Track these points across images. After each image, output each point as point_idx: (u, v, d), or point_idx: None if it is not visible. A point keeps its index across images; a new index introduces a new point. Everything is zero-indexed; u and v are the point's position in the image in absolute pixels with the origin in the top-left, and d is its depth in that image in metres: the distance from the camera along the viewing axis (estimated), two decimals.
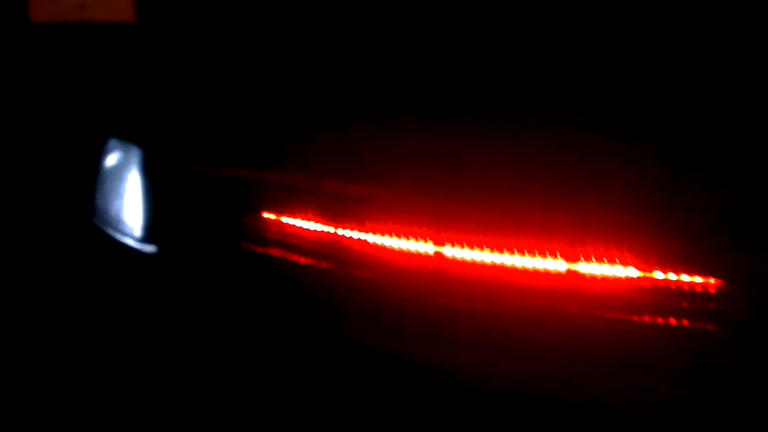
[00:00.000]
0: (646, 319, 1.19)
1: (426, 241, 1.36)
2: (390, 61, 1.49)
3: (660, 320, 1.18)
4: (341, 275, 1.44)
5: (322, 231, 1.46)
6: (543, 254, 1.26)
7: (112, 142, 1.98)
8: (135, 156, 1.84)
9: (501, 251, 1.29)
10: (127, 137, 1.91)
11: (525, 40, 1.35)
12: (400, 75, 1.45)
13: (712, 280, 1.15)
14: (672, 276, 1.17)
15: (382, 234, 1.40)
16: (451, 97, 1.36)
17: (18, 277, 2.25)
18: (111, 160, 1.96)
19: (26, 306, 2.18)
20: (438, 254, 1.35)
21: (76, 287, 2.11)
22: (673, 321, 1.17)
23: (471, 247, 1.32)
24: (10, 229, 2.40)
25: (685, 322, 1.17)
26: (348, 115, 1.47)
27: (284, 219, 1.52)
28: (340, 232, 1.44)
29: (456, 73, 1.39)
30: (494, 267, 1.30)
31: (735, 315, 1.13)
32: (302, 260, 1.48)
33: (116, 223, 1.88)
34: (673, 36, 1.23)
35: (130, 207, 1.82)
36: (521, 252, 1.28)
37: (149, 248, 1.75)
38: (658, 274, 1.18)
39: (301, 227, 1.50)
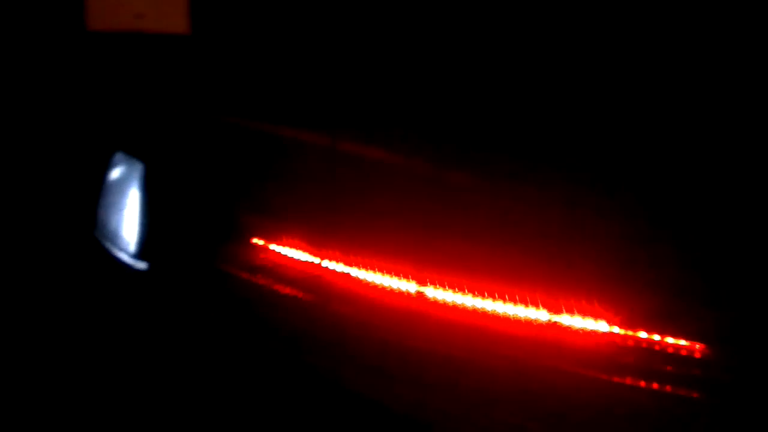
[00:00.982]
0: (621, 378, 1.13)
1: (409, 279, 1.32)
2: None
3: (636, 381, 1.13)
4: (322, 308, 1.41)
5: (307, 261, 1.44)
6: (525, 303, 1.22)
7: (119, 156, 1.98)
8: (137, 171, 1.84)
9: (483, 296, 1.25)
10: (133, 152, 1.92)
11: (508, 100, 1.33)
12: (390, 108, 1.43)
13: (690, 343, 1.10)
14: (653, 337, 1.12)
15: (366, 269, 1.37)
16: (441, 149, 1.34)
17: (18, 284, 2.26)
18: (115, 173, 1.97)
19: (23, 312, 2.19)
20: (419, 294, 1.31)
21: (73, 297, 2.11)
22: (650, 383, 1.12)
23: (453, 289, 1.28)
24: (15, 236, 2.42)
25: (664, 386, 1.12)
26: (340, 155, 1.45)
27: (272, 246, 1.50)
28: (325, 264, 1.41)
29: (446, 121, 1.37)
30: (474, 312, 1.26)
31: (713, 379, 1.08)
32: (285, 290, 1.46)
33: (113, 238, 1.88)
34: (646, 101, 1.21)
35: (127, 223, 1.82)
36: (503, 299, 1.24)
37: (141, 265, 1.74)
38: (638, 334, 1.13)
39: (287, 256, 1.47)
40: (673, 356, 1.13)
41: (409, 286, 1.32)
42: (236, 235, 1.56)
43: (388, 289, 1.34)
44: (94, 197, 2.02)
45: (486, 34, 1.36)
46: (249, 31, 1.94)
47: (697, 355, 1.11)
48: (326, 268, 1.41)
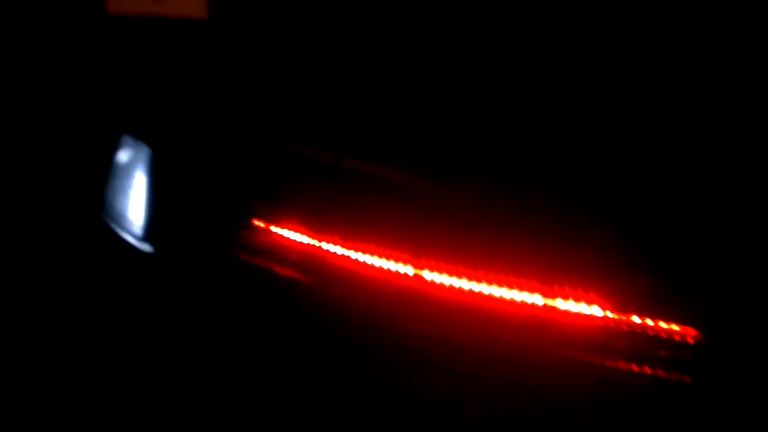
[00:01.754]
0: (613, 362, 1.15)
1: (407, 263, 1.34)
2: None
3: (628, 365, 1.14)
4: (323, 290, 1.42)
5: (308, 244, 1.45)
6: (521, 287, 1.23)
7: (126, 139, 2.00)
8: (144, 155, 1.86)
9: (479, 280, 1.27)
10: (140, 135, 1.94)
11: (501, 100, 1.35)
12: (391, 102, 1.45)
13: (682, 328, 1.11)
14: (646, 322, 1.14)
15: (366, 252, 1.38)
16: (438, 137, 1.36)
17: (26, 265, 2.30)
18: (122, 156, 1.99)
19: (31, 293, 2.23)
20: (417, 277, 1.33)
21: (81, 278, 2.14)
22: (642, 367, 1.13)
23: (450, 273, 1.29)
24: (23, 217, 2.46)
25: (656, 370, 1.13)
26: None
27: (274, 229, 1.52)
28: (325, 247, 1.43)
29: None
30: (471, 295, 1.27)
31: (705, 364, 1.09)
32: (287, 272, 1.48)
33: (120, 220, 1.90)
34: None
35: (133, 205, 1.84)
36: (499, 283, 1.25)
37: (147, 247, 1.77)
38: (631, 318, 1.14)
39: (289, 239, 1.49)
40: (666, 341, 1.14)
41: (407, 270, 1.33)
42: (240, 218, 1.58)
43: (387, 272, 1.36)
44: (103, 179, 2.04)
45: None
46: (265, 19, 1.96)
47: (690, 341, 1.12)
48: (327, 251, 1.43)
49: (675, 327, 1.13)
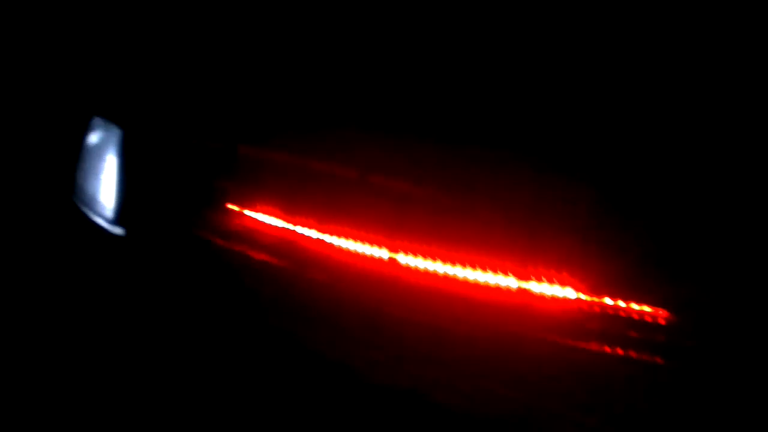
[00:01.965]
0: (586, 343, 1.16)
1: (381, 247, 1.33)
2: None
3: (601, 346, 1.15)
4: (296, 274, 1.42)
5: (282, 228, 1.45)
6: (495, 270, 1.24)
7: (97, 121, 1.97)
8: (114, 137, 1.83)
9: (453, 263, 1.27)
10: (111, 117, 1.91)
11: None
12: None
13: (654, 309, 1.12)
14: (618, 303, 1.15)
15: (340, 236, 1.38)
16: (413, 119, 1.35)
17: None
18: (93, 138, 1.96)
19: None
20: (392, 261, 1.33)
21: (53, 264, 2.12)
22: (615, 348, 1.15)
23: (424, 257, 1.29)
24: None
25: (628, 351, 1.14)
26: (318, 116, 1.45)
27: (247, 213, 1.51)
28: (299, 230, 1.42)
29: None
30: (446, 279, 1.28)
31: (676, 345, 1.10)
32: (260, 256, 1.47)
33: (92, 203, 1.88)
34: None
35: (105, 188, 1.82)
36: (473, 266, 1.26)
37: (118, 231, 1.74)
38: (604, 300, 1.15)
39: (262, 222, 1.48)
40: (638, 322, 1.15)
41: (382, 253, 1.33)
42: (212, 201, 1.56)
43: (362, 256, 1.35)
44: (73, 162, 2.01)
45: None
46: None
47: (661, 321, 1.14)
48: (301, 234, 1.42)
49: (647, 308, 1.14)
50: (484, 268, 1.24)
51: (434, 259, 1.28)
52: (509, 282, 1.23)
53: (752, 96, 1.13)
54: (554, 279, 1.19)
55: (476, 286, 1.25)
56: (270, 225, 1.47)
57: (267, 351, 1.43)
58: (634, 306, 1.15)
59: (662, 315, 1.13)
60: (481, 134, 1.26)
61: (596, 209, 1.15)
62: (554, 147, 1.19)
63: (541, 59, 1.28)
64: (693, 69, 1.17)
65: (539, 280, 1.20)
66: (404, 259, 1.31)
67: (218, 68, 1.83)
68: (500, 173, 1.22)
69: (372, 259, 1.34)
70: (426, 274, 1.30)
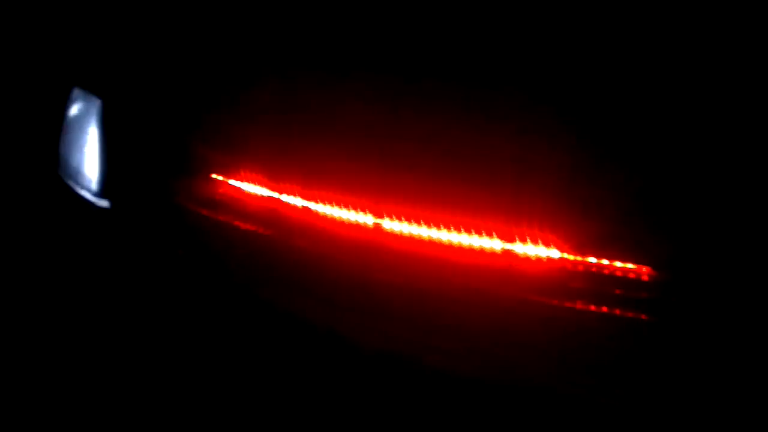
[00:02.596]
0: (572, 302, 1.17)
1: (366, 212, 1.33)
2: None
3: (586, 305, 1.16)
4: (281, 242, 1.42)
5: (266, 196, 1.44)
6: (479, 233, 1.24)
7: (77, 92, 1.95)
8: (95, 108, 1.81)
9: (438, 227, 1.27)
10: (90, 88, 1.88)
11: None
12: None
13: (638, 267, 1.13)
14: (602, 261, 1.15)
15: (324, 203, 1.38)
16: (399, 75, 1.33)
17: None
18: (74, 110, 1.94)
19: None
20: (377, 226, 1.32)
21: (40, 240, 2.11)
22: (599, 306, 1.16)
23: (409, 221, 1.29)
24: None
25: (613, 309, 1.15)
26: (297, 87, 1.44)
27: (231, 181, 1.50)
28: (283, 198, 1.42)
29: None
30: (431, 242, 1.28)
31: (659, 301, 1.11)
32: (245, 225, 1.47)
33: (76, 176, 1.86)
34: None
35: (88, 160, 1.80)
36: (458, 229, 1.26)
37: (103, 203, 1.74)
38: (588, 259, 1.16)
39: (246, 191, 1.48)
40: (621, 280, 1.16)
41: (367, 219, 1.33)
42: (196, 170, 1.55)
43: (346, 222, 1.35)
44: (56, 135, 1.99)
45: None
46: None
47: (645, 278, 1.14)
48: (285, 202, 1.42)
49: (630, 265, 1.15)
50: (468, 231, 1.24)
51: (419, 223, 1.28)
52: (493, 244, 1.23)
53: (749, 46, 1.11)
54: (538, 239, 1.19)
55: (460, 248, 1.26)
56: (254, 194, 1.46)
57: (254, 319, 1.44)
58: (618, 264, 1.16)
59: (646, 272, 1.14)
60: (460, 95, 1.25)
61: (579, 168, 1.15)
62: (536, 105, 1.18)
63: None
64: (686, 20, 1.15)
65: (523, 240, 1.20)
66: (389, 223, 1.31)
67: (199, 36, 1.80)
68: (481, 134, 1.21)
69: (357, 225, 1.34)
70: (411, 238, 1.30)
